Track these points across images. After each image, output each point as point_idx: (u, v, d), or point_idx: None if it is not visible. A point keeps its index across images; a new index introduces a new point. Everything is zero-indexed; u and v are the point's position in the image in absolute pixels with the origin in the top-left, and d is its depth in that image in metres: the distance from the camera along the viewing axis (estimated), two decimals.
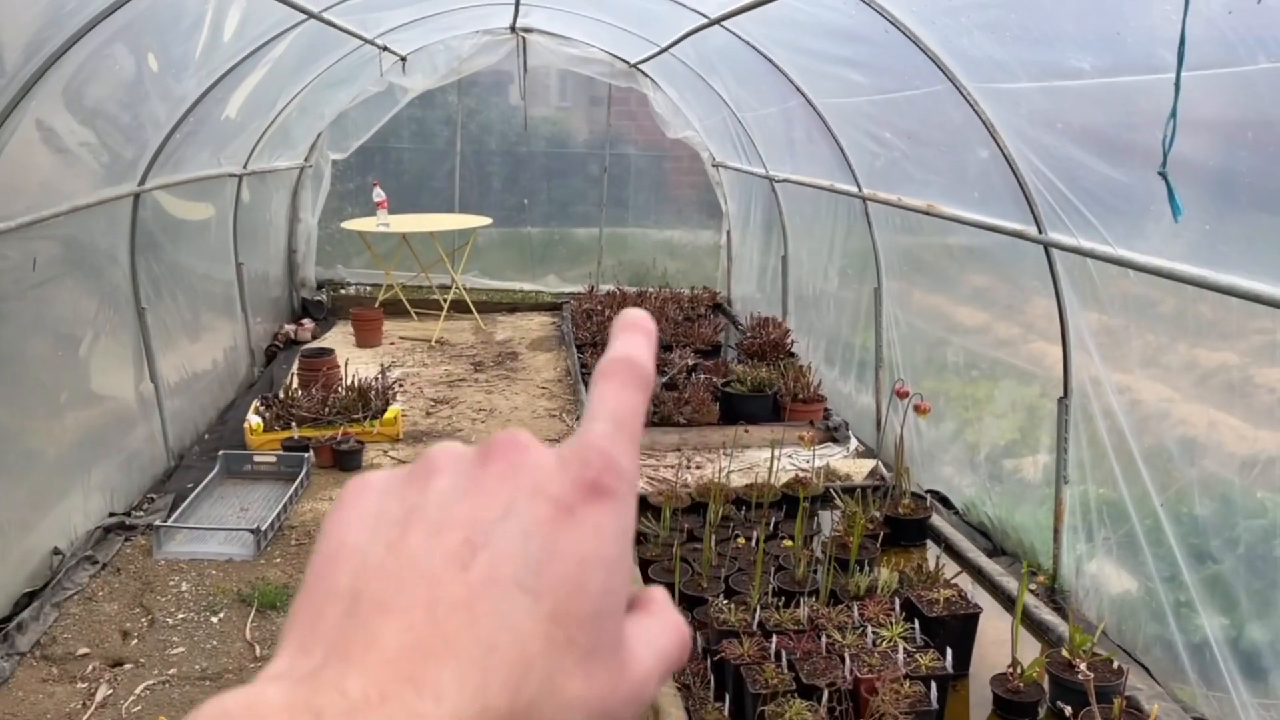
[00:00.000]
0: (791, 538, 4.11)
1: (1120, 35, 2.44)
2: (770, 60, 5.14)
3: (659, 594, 0.39)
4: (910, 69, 3.67)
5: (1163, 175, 1.88)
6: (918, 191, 4.57)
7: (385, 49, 7.23)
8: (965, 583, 3.76)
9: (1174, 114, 1.81)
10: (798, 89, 5.17)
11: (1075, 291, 3.60)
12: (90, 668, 3.37)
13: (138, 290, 4.88)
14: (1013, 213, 3.70)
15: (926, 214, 4.48)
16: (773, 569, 3.83)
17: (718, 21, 5.09)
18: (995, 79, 3.25)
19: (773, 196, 7.21)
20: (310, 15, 4.68)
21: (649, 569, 3.96)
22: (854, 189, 5.31)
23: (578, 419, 6.02)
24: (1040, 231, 3.56)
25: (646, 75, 8.50)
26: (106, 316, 4.59)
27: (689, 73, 7.16)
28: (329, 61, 6.63)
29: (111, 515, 4.39)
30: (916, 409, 4.23)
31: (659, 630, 0.37)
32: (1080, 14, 2.56)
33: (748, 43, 5.15)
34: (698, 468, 5.33)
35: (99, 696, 3.22)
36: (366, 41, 6.46)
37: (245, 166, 6.62)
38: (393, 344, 8.03)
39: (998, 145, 3.48)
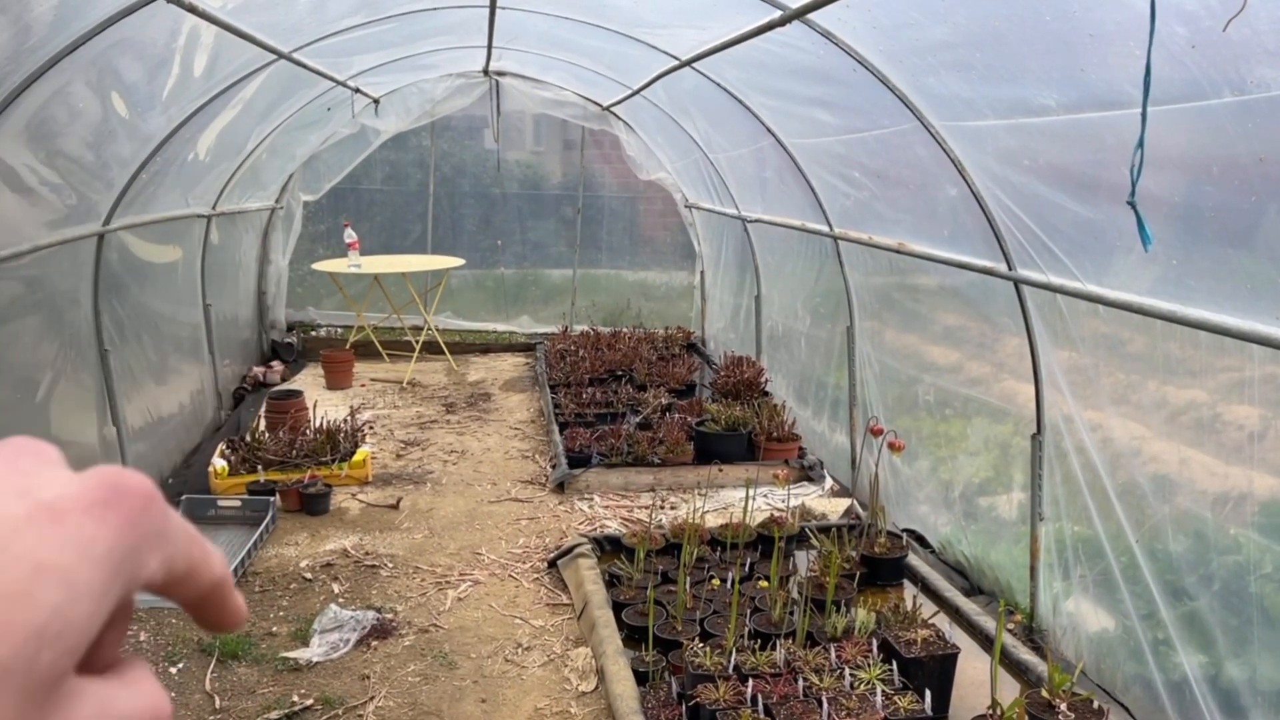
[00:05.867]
0: (767, 578, 4.05)
1: (1084, 71, 2.47)
2: (741, 101, 5.19)
3: (142, 667, 0.34)
4: (878, 108, 3.70)
5: (1132, 205, 1.88)
6: (888, 230, 4.60)
7: (358, 91, 7.24)
8: (943, 622, 3.71)
9: (1141, 143, 1.81)
10: (768, 130, 5.21)
11: (1046, 328, 3.61)
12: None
13: (101, 332, 4.79)
14: (982, 250, 3.72)
15: (897, 252, 4.51)
16: (749, 611, 3.77)
17: (688, 63, 5.14)
18: (962, 117, 3.28)
19: (745, 237, 7.25)
20: (280, 55, 4.67)
21: (622, 611, 3.88)
22: (825, 228, 5.33)
23: (551, 460, 5.96)
24: (1010, 268, 3.58)
25: (619, 118, 8.57)
26: (68, 359, 4.49)
27: (661, 115, 7.21)
28: (300, 103, 6.62)
29: None
30: (890, 446, 4.21)
31: (125, 698, 0.32)
32: (1045, 51, 2.59)
33: (718, 84, 5.19)
34: (672, 508, 5.27)
35: None
36: (338, 83, 6.46)
37: (214, 207, 6.56)
38: (364, 386, 7.94)
39: (966, 183, 3.51)
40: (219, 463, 5.29)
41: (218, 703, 3.35)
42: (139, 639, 3.79)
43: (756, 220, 6.67)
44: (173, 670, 3.56)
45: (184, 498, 4.88)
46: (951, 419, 4.78)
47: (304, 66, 5.25)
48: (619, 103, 7.96)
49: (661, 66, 5.63)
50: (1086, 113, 2.61)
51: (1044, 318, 3.61)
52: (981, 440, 4.57)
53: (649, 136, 8.47)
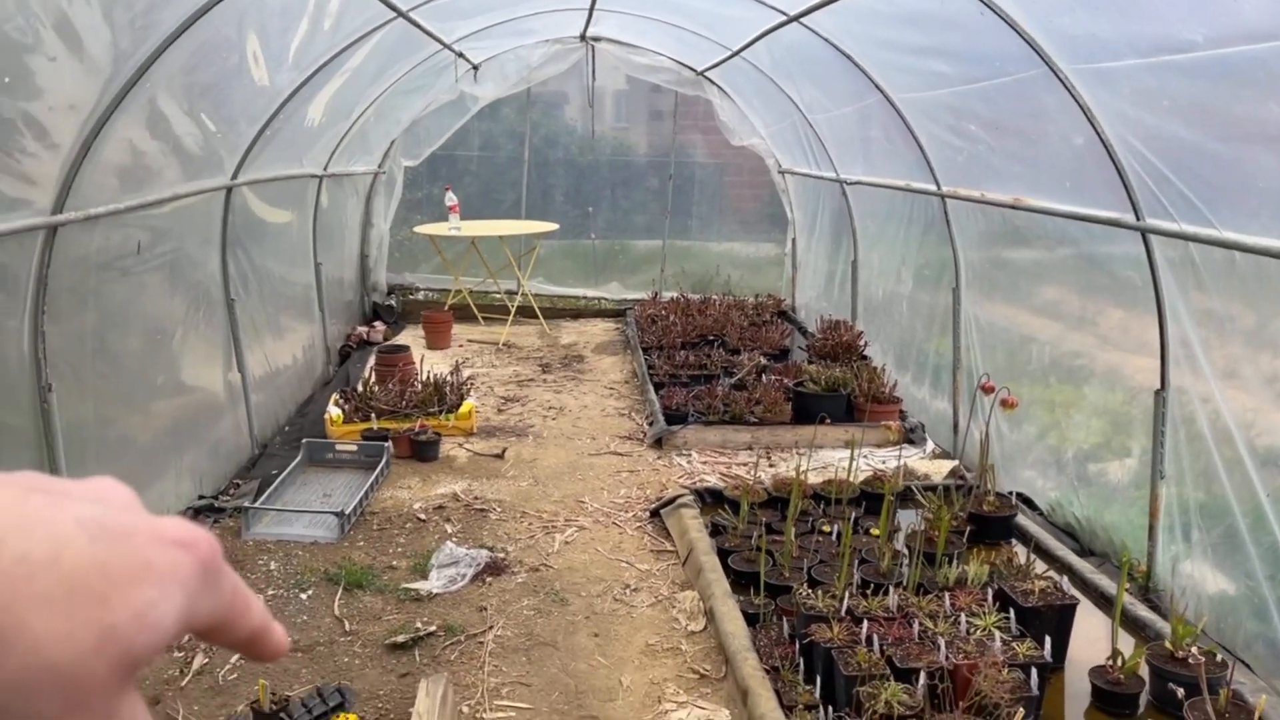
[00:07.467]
0: (871, 530, 4.06)
1: (1238, 1, 2.40)
2: (848, 57, 5.13)
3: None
4: (1002, 54, 3.63)
5: None
6: (1002, 185, 4.51)
7: (460, 55, 7.37)
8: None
9: None
10: (876, 86, 5.15)
11: (1175, 281, 3.52)
12: (186, 638, 3.43)
13: (227, 283, 5.02)
14: (1107, 201, 3.64)
15: (1012, 208, 4.43)
16: (856, 562, 3.78)
17: (796, 19, 5.10)
18: (1096, 58, 3.20)
19: (843, 200, 7.18)
20: (400, 14, 4.80)
21: (729, 558, 3.93)
22: (932, 187, 5.26)
23: (648, 417, 6.04)
24: (1138, 219, 3.49)
25: (713, 83, 8.54)
26: (199, 307, 4.72)
27: (759, 77, 7.17)
28: (406, 67, 6.78)
29: (201, 498, 4.50)
30: (1003, 404, 4.16)
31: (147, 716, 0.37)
32: None
33: (825, 39, 5.15)
34: (771, 465, 5.30)
35: (195, 664, 3.29)
36: (445, 46, 6.59)
37: (325, 169, 6.78)
38: (461, 346, 8.13)
39: (1095, 130, 3.43)
40: (334, 411, 5.50)
41: (347, 626, 3.52)
42: (269, 568, 3.99)
43: (856, 183, 6.60)
44: (303, 596, 3.75)
45: (305, 441, 5.10)
46: (1061, 384, 4.69)
47: (418, 26, 5.38)
48: (714, 66, 7.94)
49: (767, 23, 5.60)
50: (1237, 46, 2.52)
51: (1173, 270, 3.51)
52: (1094, 405, 4.47)
53: (744, 101, 8.43)
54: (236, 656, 3.33)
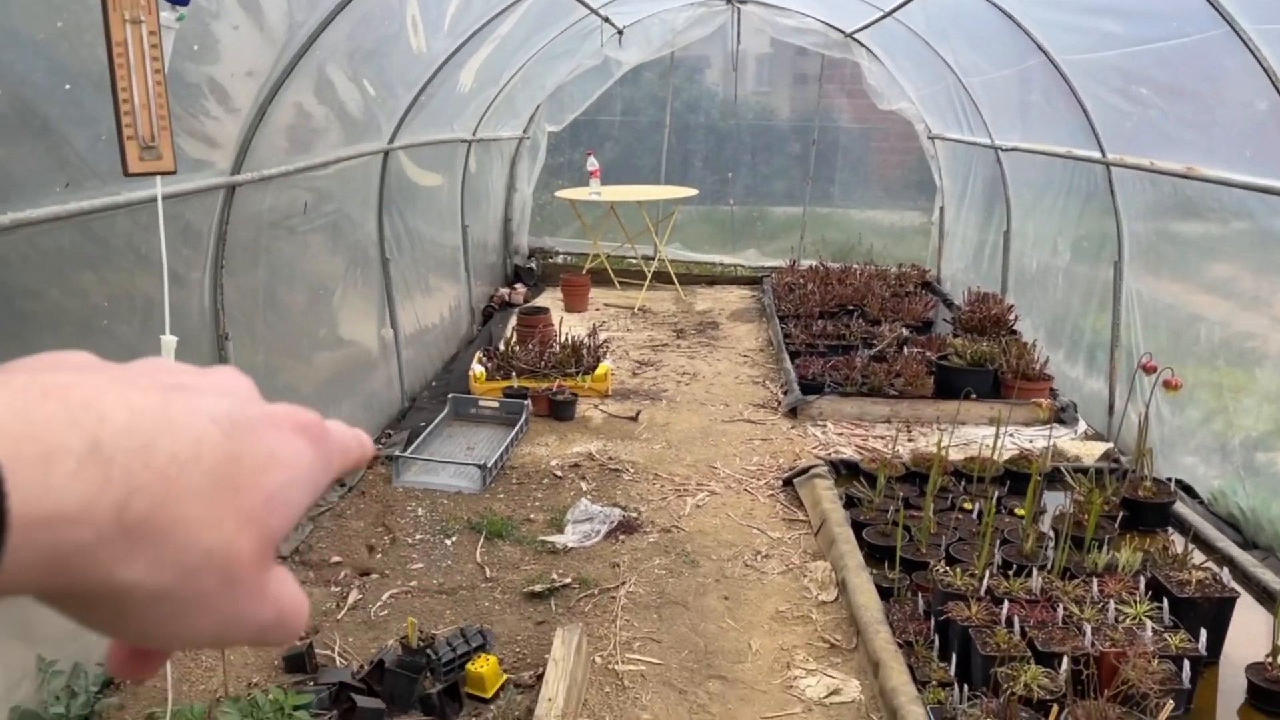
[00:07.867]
0: (1015, 511, 3.94)
1: None
2: (1009, 16, 4.89)
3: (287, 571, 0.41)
4: (1179, 13, 3.39)
5: None
6: (1174, 153, 4.23)
7: (606, 20, 7.42)
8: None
9: None
10: (1039, 46, 4.89)
11: None
12: (342, 574, 3.69)
13: (383, 243, 5.26)
14: None
15: (1184, 178, 4.14)
16: (998, 542, 3.68)
17: None
18: None
19: (997, 168, 6.88)
20: None
21: (863, 531, 3.89)
22: (1096, 155, 4.97)
23: (782, 386, 6.00)
24: None
25: (862, 45, 8.30)
26: (359, 265, 4.97)
27: (911, 39, 6.93)
28: (554, 33, 6.88)
29: None
30: (1166, 385, 3.93)
31: (292, 582, 0.40)
32: None
33: None
34: (910, 440, 5.19)
35: (350, 600, 3.51)
36: (591, 10, 6.65)
37: (474, 134, 6.98)
38: (597, 310, 8.27)
39: (1279, 95, 3.17)
40: (477, 368, 5.72)
41: (487, 572, 3.68)
42: (417, 514, 4.21)
43: (1013, 149, 6.31)
44: (448, 542, 3.94)
45: (451, 396, 5.33)
46: (1230, 367, 4.39)
47: None
48: (864, 28, 7.71)
49: None
50: None
51: None
52: (1266, 391, 4.17)
53: (894, 63, 8.16)
54: (388, 594, 3.54)
